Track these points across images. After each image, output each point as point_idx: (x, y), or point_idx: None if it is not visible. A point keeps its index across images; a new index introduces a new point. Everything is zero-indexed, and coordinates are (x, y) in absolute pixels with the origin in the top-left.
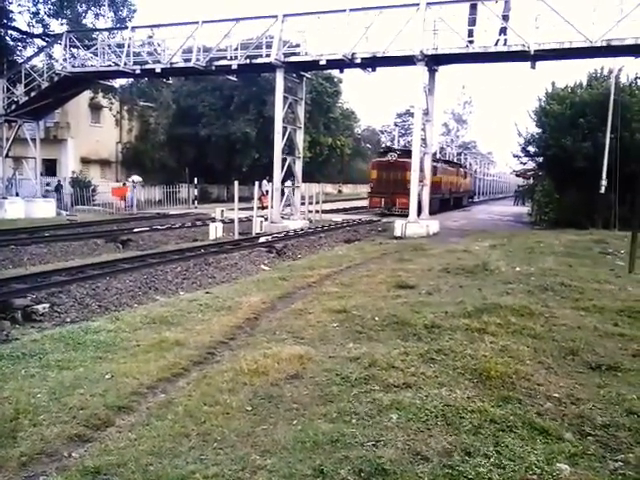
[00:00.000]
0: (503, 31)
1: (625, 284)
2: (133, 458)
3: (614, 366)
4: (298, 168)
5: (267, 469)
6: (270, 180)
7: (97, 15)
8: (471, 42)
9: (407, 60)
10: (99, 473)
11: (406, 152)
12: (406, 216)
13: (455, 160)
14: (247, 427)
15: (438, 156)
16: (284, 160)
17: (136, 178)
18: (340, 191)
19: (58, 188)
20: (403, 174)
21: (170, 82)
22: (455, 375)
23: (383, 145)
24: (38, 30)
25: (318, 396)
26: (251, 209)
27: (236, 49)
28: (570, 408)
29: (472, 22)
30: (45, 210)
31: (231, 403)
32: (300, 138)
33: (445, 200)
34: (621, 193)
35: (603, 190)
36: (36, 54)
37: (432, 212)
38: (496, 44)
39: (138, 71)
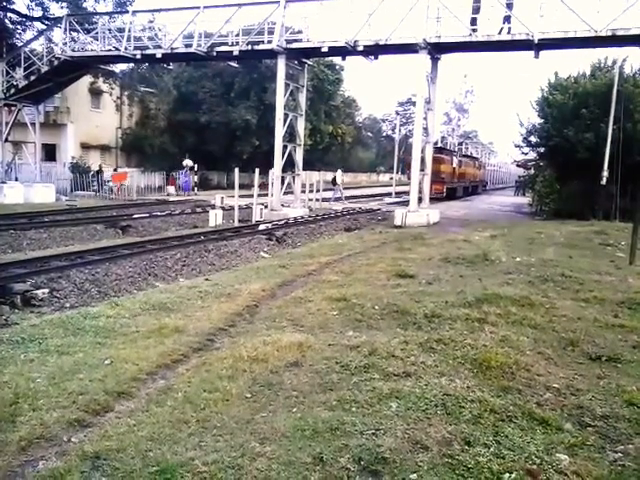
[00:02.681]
0: (507, 19)
1: (625, 276)
2: (132, 444)
3: (614, 357)
4: (299, 156)
5: (266, 456)
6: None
7: None
8: (474, 31)
9: (410, 48)
10: (98, 458)
11: (439, 149)
12: (439, 199)
13: (455, 149)
14: (246, 414)
15: (460, 150)
16: (285, 147)
17: (189, 162)
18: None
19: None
20: (437, 166)
21: (171, 68)
22: (455, 365)
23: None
24: (38, 13)
25: (318, 384)
26: (251, 196)
27: (238, 35)
28: (570, 399)
29: (476, 10)
30: (44, 195)
31: (230, 390)
32: (301, 126)
33: (466, 187)
34: (622, 184)
35: (604, 181)
36: (36, 37)
37: (458, 197)
38: (500, 33)
39: (139, 56)
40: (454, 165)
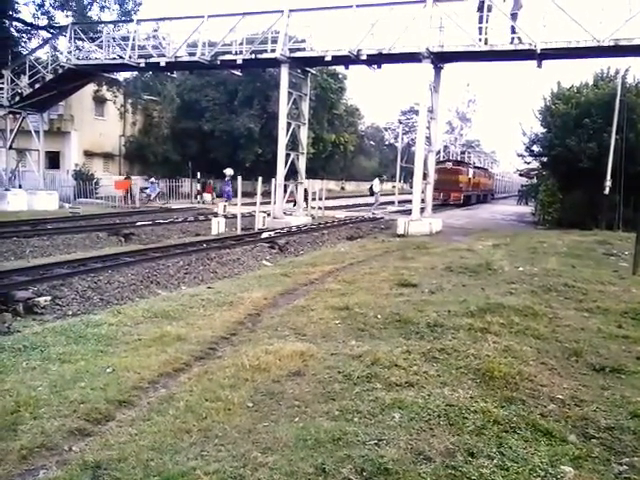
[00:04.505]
0: (511, 29)
1: (629, 286)
2: (134, 453)
3: (618, 368)
4: (301, 164)
5: (268, 466)
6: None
7: (102, 7)
8: (480, 40)
9: (413, 57)
10: (99, 468)
11: (457, 162)
12: (457, 206)
13: (460, 159)
14: (248, 424)
15: (469, 160)
16: (288, 156)
17: (230, 171)
18: (343, 188)
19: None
20: (456, 177)
21: (174, 76)
22: (458, 375)
23: (442, 157)
24: (43, 22)
25: (320, 393)
26: (254, 204)
27: (241, 44)
28: (574, 410)
29: (479, 20)
30: (48, 202)
31: (232, 399)
32: (304, 134)
33: (479, 195)
34: (625, 194)
35: (607, 191)
36: (41, 46)
37: (471, 204)
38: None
39: (143, 65)
40: (470, 176)
